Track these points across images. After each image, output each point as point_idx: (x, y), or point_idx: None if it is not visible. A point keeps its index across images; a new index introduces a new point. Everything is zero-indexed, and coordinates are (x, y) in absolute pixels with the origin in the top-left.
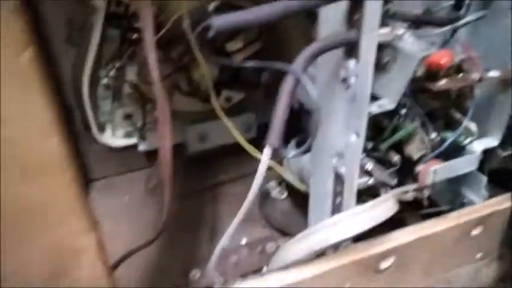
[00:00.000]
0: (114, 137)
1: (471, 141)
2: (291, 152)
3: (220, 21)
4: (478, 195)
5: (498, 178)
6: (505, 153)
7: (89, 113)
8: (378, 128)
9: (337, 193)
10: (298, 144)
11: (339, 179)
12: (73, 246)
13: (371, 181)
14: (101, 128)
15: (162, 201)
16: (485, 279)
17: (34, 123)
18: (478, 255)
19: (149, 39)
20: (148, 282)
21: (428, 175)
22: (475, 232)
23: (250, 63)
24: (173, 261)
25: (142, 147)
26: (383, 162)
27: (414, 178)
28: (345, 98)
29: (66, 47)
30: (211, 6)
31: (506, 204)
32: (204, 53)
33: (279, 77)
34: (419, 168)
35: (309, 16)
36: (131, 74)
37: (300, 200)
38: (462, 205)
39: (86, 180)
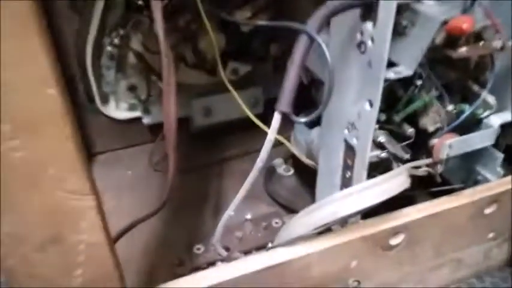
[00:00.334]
0: (118, 110)
1: (489, 115)
2: (302, 118)
3: None
4: (493, 173)
5: None
6: None
7: (93, 83)
8: (392, 99)
9: (348, 167)
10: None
11: (350, 151)
12: (71, 208)
13: (383, 154)
14: (105, 100)
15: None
16: (495, 262)
17: (29, 72)
18: (490, 235)
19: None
20: (152, 255)
21: (443, 149)
22: (489, 211)
23: (262, 22)
24: (177, 236)
25: (146, 120)
26: (396, 135)
27: (427, 153)
28: (359, 63)
29: (69, 14)
30: None
31: None
32: (211, 22)
33: (288, 49)
34: (434, 141)
35: None
36: (136, 42)
37: (306, 177)
38: (476, 183)
39: (89, 153)
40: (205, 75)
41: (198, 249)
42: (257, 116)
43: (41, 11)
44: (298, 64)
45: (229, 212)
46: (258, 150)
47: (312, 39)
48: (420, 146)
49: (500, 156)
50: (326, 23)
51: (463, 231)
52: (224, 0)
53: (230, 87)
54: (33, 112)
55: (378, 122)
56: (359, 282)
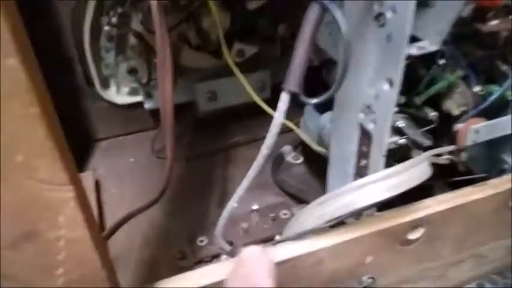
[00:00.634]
0: (119, 94)
1: None
2: (312, 99)
3: None
4: None
5: None
6: None
7: (91, 65)
8: (412, 80)
9: (363, 154)
10: (316, 106)
11: (365, 137)
12: (46, 200)
13: (402, 141)
14: (105, 84)
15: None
16: None
17: None
18: None
19: None
20: (152, 248)
21: (469, 135)
22: None
23: None
24: (179, 226)
25: (148, 105)
26: (415, 119)
27: (450, 139)
28: (377, 38)
29: None
30: None
31: None
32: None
33: (297, 29)
34: (459, 126)
35: None
36: (136, 22)
37: (317, 165)
38: (501, 172)
39: (89, 139)
40: (209, 58)
41: (202, 241)
42: (264, 101)
43: None
44: (308, 37)
45: (232, 203)
46: (265, 137)
47: (324, 9)
48: (442, 131)
49: None
50: None
51: (486, 225)
52: None
53: (236, 70)
54: None
55: (397, 105)
56: (374, 279)
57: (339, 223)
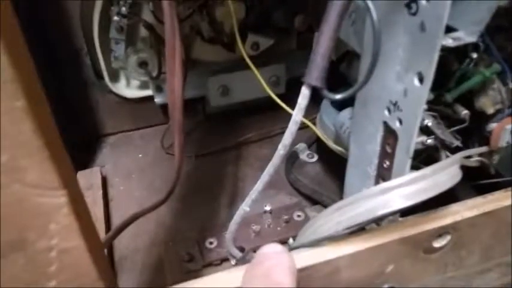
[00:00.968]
0: (129, 88)
1: None
2: (337, 95)
3: None
4: None
5: None
6: None
7: (100, 58)
8: (442, 75)
9: (386, 154)
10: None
11: (390, 136)
12: (35, 206)
13: (430, 141)
14: (115, 77)
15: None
16: None
17: None
18: None
19: None
20: (159, 248)
21: (504, 135)
22: None
23: None
24: (188, 227)
25: (158, 99)
26: (444, 118)
27: (481, 139)
28: (408, 27)
29: None
30: None
31: None
32: None
33: (316, 22)
34: (493, 126)
35: None
36: (146, 12)
37: (332, 164)
38: None
39: (97, 134)
40: (223, 51)
41: (211, 243)
42: (279, 96)
43: None
44: (334, 24)
45: (244, 207)
46: (279, 134)
47: None
48: (471, 131)
49: None
50: None
51: None
52: None
53: (250, 63)
54: None
55: (426, 102)
56: None
57: (358, 229)
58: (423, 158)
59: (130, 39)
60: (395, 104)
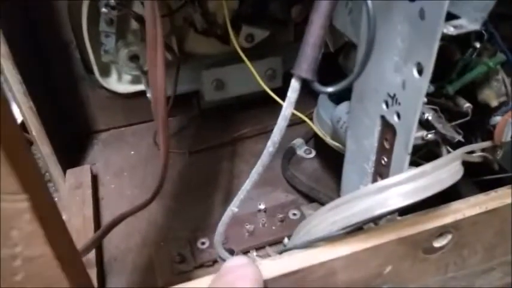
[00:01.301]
0: (120, 83)
1: None
2: (328, 88)
3: None
4: None
5: None
6: None
7: (90, 51)
8: (443, 66)
9: (384, 150)
10: (331, 96)
11: (388, 131)
12: None
13: (430, 136)
14: (106, 72)
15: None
16: None
17: None
18: None
19: None
20: (150, 248)
21: (508, 129)
22: None
23: None
24: (180, 226)
25: (150, 94)
26: (445, 111)
27: (483, 133)
28: (407, 14)
29: None
30: None
31: None
32: None
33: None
34: (496, 119)
35: None
36: (137, 4)
37: (330, 160)
38: None
39: (89, 130)
40: (217, 43)
41: (203, 243)
42: (275, 90)
43: None
44: (325, 11)
45: (232, 207)
46: None
47: None
48: (473, 124)
49: None
50: None
51: None
52: None
53: (243, 55)
54: None
55: (426, 94)
56: None
57: (354, 229)
58: (423, 154)
59: (121, 32)
60: (393, 97)
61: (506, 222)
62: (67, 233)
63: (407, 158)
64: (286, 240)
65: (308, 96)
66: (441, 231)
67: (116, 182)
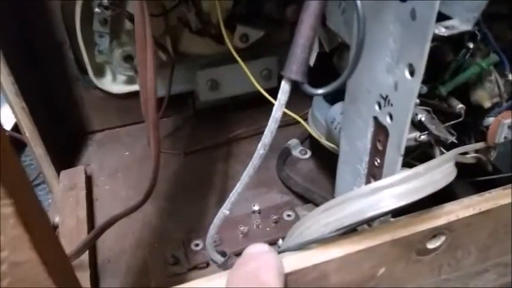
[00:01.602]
0: (115, 83)
1: None
2: (318, 90)
3: None
4: None
5: None
6: None
7: (84, 51)
8: (436, 67)
9: (377, 152)
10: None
11: (381, 132)
12: None
13: (423, 137)
14: (100, 72)
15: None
16: None
17: None
18: None
19: None
20: (144, 250)
21: (501, 130)
22: None
23: None
24: (174, 227)
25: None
26: (438, 112)
27: (477, 135)
28: (398, 15)
29: None
30: None
31: None
32: None
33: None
34: (489, 121)
35: None
36: (131, 4)
37: (325, 160)
38: None
39: (83, 131)
40: (212, 43)
41: (197, 245)
42: (271, 90)
43: None
44: (315, 10)
45: (224, 210)
46: None
47: None
48: (467, 125)
49: None
50: None
51: None
52: None
53: (236, 56)
54: None
55: (418, 95)
56: None
57: (347, 231)
58: (417, 155)
59: (115, 32)
60: (385, 98)
61: (500, 224)
62: (54, 238)
63: (400, 160)
64: (280, 241)
65: (303, 96)
66: (435, 233)
67: (111, 183)
